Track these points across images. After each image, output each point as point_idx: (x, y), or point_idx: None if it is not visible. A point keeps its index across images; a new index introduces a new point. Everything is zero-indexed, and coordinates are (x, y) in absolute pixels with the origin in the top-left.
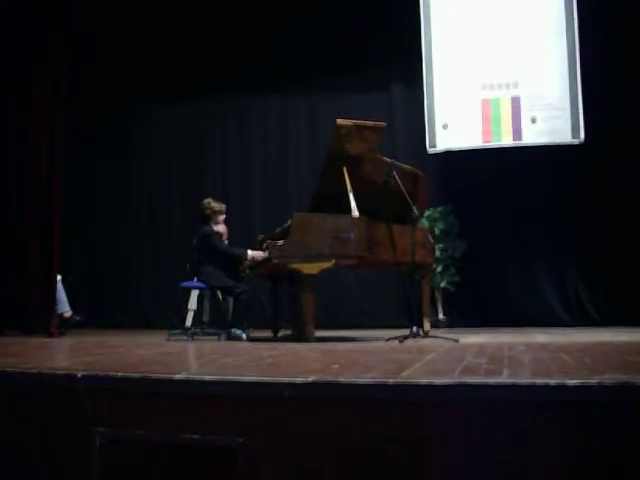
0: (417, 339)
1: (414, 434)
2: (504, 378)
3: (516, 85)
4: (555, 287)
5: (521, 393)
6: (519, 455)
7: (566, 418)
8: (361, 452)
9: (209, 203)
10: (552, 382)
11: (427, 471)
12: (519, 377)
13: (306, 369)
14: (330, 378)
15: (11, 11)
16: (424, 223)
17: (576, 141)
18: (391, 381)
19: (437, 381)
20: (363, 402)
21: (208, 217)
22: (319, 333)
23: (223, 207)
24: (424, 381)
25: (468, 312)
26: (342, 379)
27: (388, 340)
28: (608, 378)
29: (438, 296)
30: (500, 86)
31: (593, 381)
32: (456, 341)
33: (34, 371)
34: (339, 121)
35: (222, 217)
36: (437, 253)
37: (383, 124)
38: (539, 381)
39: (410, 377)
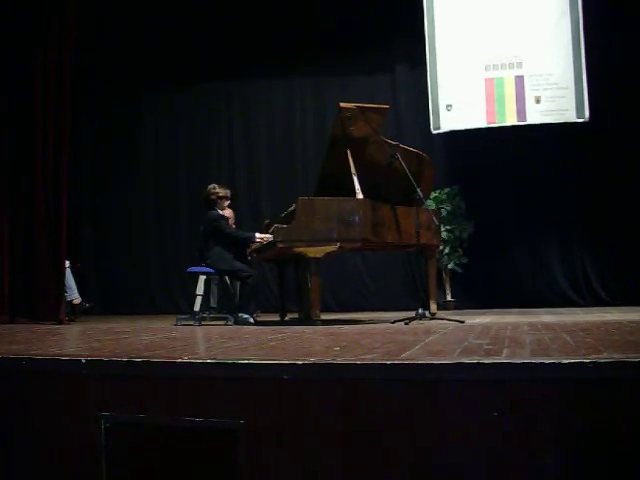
0: (423, 321)
1: (413, 414)
2: (502, 358)
3: (520, 65)
4: (563, 267)
5: (517, 372)
6: (515, 433)
7: (563, 396)
8: (362, 432)
9: (214, 188)
10: (547, 361)
11: (425, 450)
12: (517, 357)
13: (308, 351)
14: (330, 360)
15: None
16: (431, 205)
17: (581, 120)
18: (389, 362)
19: (435, 361)
20: (363, 383)
21: (213, 202)
22: (327, 316)
23: (228, 192)
24: (422, 361)
25: (476, 293)
26: (341, 360)
27: (394, 322)
28: (604, 357)
29: (446, 278)
30: (504, 66)
31: (588, 360)
32: (462, 322)
33: (40, 357)
34: (342, 104)
35: (227, 202)
36: (444, 235)
37: (386, 106)
38: (535, 360)
39: (410, 358)
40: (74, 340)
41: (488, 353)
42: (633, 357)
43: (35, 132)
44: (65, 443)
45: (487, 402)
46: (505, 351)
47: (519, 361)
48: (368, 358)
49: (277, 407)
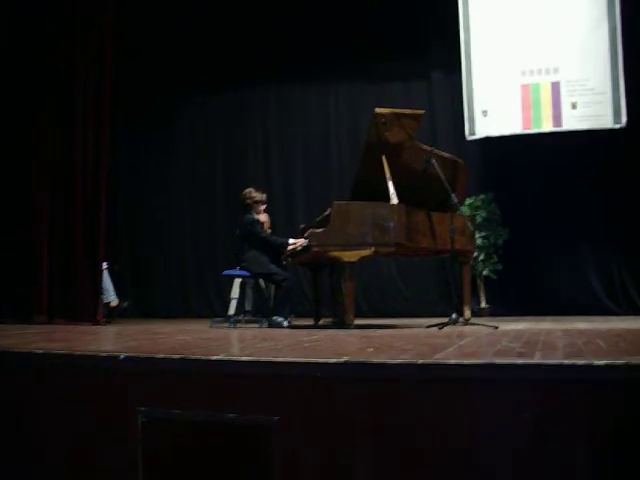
0: (457, 326)
1: (444, 413)
2: (535, 359)
3: (556, 70)
4: (599, 275)
5: (549, 373)
6: (548, 435)
7: (595, 398)
8: (394, 432)
9: (250, 193)
10: (580, 362)
11: (457, 451)
12: (550, 359)
13: (341, 352)
14: (362, 359)
15: None
16: (465, 211)
17: (618, 126)
18: (422, 361)
19: (467, 361)
20: (395, 382)
21: (249, 207)
22: (360, 321)
23: (264, 197)
24: (453, 361)
25: (511, 300)
26: (374, 360)
27: (428, 327)
28: (638, 359)
29: (480, 284)
30: (540, 71)
31: (621, 362)
32: (495, 328)
33: (79, 353)
34: (377, 110)
35: (263, 207)
36: (479, 241)
37: (421, 112)
38: (567, 361)
39: (442, 358)
40: (111, 339)
41: (521, 355)
42: None
43: (75, 135)
44: (102, 438)
45: (519, 403)
46: (538, 354)
47: (552, 362)
48: (401, 358)
49: (310, 405)
